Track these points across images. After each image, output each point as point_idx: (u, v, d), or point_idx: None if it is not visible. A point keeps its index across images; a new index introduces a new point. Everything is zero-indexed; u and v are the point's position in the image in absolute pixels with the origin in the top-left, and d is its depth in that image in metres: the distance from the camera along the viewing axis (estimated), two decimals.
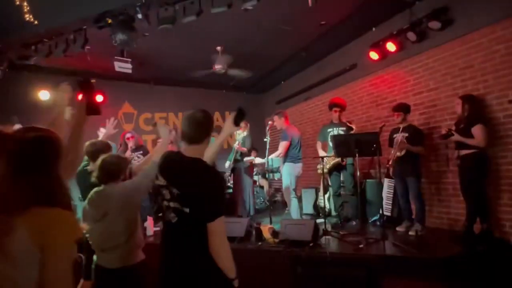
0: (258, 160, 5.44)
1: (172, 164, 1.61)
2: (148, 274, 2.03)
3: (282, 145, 4.45)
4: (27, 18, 3.12)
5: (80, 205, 2.53)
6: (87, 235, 2.03)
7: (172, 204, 1.52)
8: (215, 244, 1.45)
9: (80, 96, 1.63)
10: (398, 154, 3.95)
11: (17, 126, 2.32)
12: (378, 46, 4.73)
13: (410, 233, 3.75)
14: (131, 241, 1.97)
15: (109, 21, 3.66)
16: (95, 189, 2.03)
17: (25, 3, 2.98)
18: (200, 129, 1.59)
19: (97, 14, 3.43)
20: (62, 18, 3.46)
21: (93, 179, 2.03)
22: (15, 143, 1.05)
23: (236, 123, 1.82)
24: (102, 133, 4.86)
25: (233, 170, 5.36)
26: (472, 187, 3.40)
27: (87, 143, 2.54)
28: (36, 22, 3.20)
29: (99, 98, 1.68)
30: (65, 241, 1.01)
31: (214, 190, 1.50)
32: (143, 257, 2.05)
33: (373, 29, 4.98)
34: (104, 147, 2.54)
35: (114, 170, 2.00)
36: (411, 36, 4.23)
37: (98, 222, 1.94)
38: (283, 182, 4.57)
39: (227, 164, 5.40)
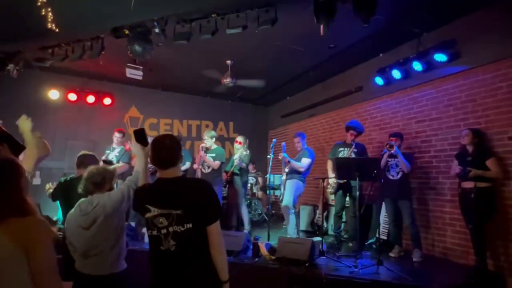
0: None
1: (162, 190, 1.66)
2: (130, 283, 2.10)
3: (307, 162, 4.57)
4: (49, 26, 3.24)
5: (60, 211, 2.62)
6: (70, 240, 2.08)
7: (171, 229, 1.57)
8: (217, 243, 1.60)
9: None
10: (392, 177, 4.08)
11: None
12: (384, 72, 4.84)
13: (414, 259, 3.82)
14: (115, 249, 2.04)
15: (127, 32, 3.79)
16: (83, 198, 2.11)
17: (50, 14, 3.12)
18: (173, 153, 1.68)
19: (116, 26, 3.55)
20: (82, 28, 3.58)
21: (80, 190, 2.12)
22: None
23: (139, 142, 1.98)
24: (116, 137, 5.00)
25: (229, 183, 5.38)
26: (484, 221, 3.40)
27: (79, 154, 2.76)
28: (57, 30, 3.33)
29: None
30: (45, 240, 1.22)
31: (209, 196, 1.65)
32: (126, 265, 2.11)
33: (381, 55, 5.11)
34: (89, 160, 2.68)
35: (99, 180, 2.09)
36: (417, 65, 4.35)
37: (85, 230, 2.00)
38: (285, 197, 4.57)
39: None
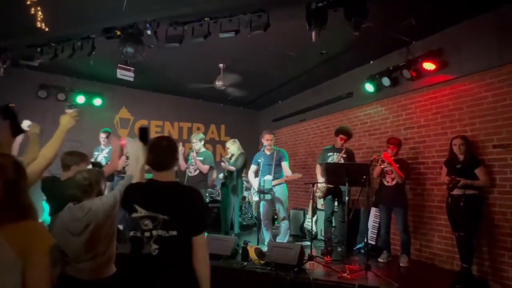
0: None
1: (153, 192, 1.65)
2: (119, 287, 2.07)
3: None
4: (39, 25, 3.19)
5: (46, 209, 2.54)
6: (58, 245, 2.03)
7: (155, 233, 1.55)
8: (201, 255, 1.58)
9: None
10: (387, 183, 4.11)
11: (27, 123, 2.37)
12: (374, 79, 4.92)
13: (401, 264, 3.87)
14: (107, 253, 2.01)
15: (118, 33, 3.76)
16: (73, 203, 2.04)
17: (40, 13, 3.07)
18: (168, 155, 1.69)
19: (108, 26, 3.52)
20: (73, 28, 3.54)
21: (70, 191, 2.06)
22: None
23: (142, 140, 1.93)
24: (101, 138, 4.92)
25: (223, 185, 5.36)
26: (474, 228, 3.44)
27: (64, 152, 2.56)
28: (47, 29, 3.28)
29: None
30: (43, 247, 1.17)
31: (199, 207, 1.66)
32: (115, 269, 2.08)
33: (371, 62, 5.19)
34: (78, 159, 2.53)
35: (86, 186, 2.04)
36: (406, 73, 4.43)
37: (76, 236, 1.96)
38: (283, 202, 4.50)
39: (220, 175, 5.46)
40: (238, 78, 5.22)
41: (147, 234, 1.57)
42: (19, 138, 2.57)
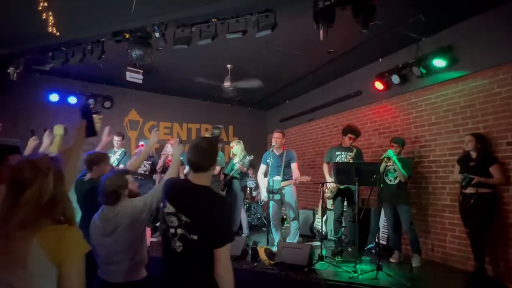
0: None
1: (181, 192, 1.66)
2: None
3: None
4: (50, 30, 3.26)
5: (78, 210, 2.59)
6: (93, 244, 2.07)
7: (179, 231, 1.57)
8: (221, 269, 1.49)
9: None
10: (389, 182, 4.09)
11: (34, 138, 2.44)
12: (384, 77, 4.87)
13: (413, 264, 3.81)
14: (136, 257, 2.02)
15: (127, 36, 3.80)
16: (106, 205, 2.09)
17: (51, 18, 3.13)
18: (206, 158, 1.65)
19: (117, 30, 3.57)
20: (83, 32, 3.60)
21: (98, 197, 2.09)
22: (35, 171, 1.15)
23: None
24: (115, 140, 5.02)
25: (228, 186, 5.36)
26: (484, 226, 3.38)
27: (85, 154, 2.66)
28: (58, 34, 3.34)
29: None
30: (78, 254, 1.12)
31: (223, 218, 1.58)
32: (146, 274, 2.09)
33: (380, 59, 5.13)
34: (98, 158, 2.64)
35: (113, 190, 2.04)
36: (416, 70, 4.36)
37: (108, 236, 2.00)
38: (292, 204, 4.47)
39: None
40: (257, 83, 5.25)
41: (172, 230, 1.59)
42: (33, 143, 2.64)
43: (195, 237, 1.52)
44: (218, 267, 1.49)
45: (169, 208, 1.62)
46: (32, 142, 2.67)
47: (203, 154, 1.64)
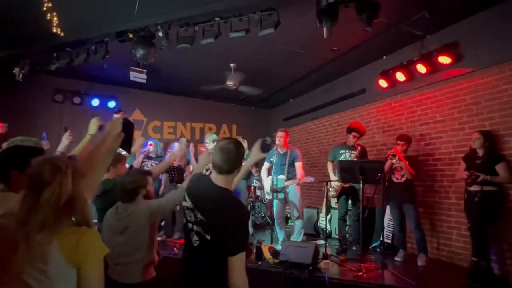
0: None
1: (200, 190, 1.65)
2: None
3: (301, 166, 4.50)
4: (55, 31, 3.28)
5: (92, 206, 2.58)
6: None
7: (195, 227, 1.58)
8: (235, 277, 1.46)
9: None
10: (396, 180, 4.06)
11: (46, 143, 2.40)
12: (388, 74, 4.83)
13: (419, 263, 3.79)
14: (147, 258, 2.03)
15: (131, 35, 3.82)
16: (120, 203, 2.10)
17: (55, 18, 3.15)
18: (231, 160, 1.60)
19: (120, 30, 3.59)
20: (87, 32, 3.62)
21: (116, 193, 2.10)
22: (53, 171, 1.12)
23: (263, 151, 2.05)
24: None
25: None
26: (486, 223, 3.36)
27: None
28: (62, 34, 3.37)
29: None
30: (97, 257, 1.10)
31: (237, 224, 1.51)
32: (154, 274, 2.10)
33: (384, 57, 5.10)
34: (115, 159, 2.61)
35: (133, 188, 2.07)
36: (421, 67, 4.33)
37: (118, 234, 2.01)
38: (296, 203, 4.44)
39: None
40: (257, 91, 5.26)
41: (189, 225, 1.62)
42: (66, 141, 2.59)
43: (208, 237, 1.53)
44: (232, 275, 1.46)
45: (188, 203, 1.65)
46: (65, 140, 2.61)
47: (230, 156, 1.59)
